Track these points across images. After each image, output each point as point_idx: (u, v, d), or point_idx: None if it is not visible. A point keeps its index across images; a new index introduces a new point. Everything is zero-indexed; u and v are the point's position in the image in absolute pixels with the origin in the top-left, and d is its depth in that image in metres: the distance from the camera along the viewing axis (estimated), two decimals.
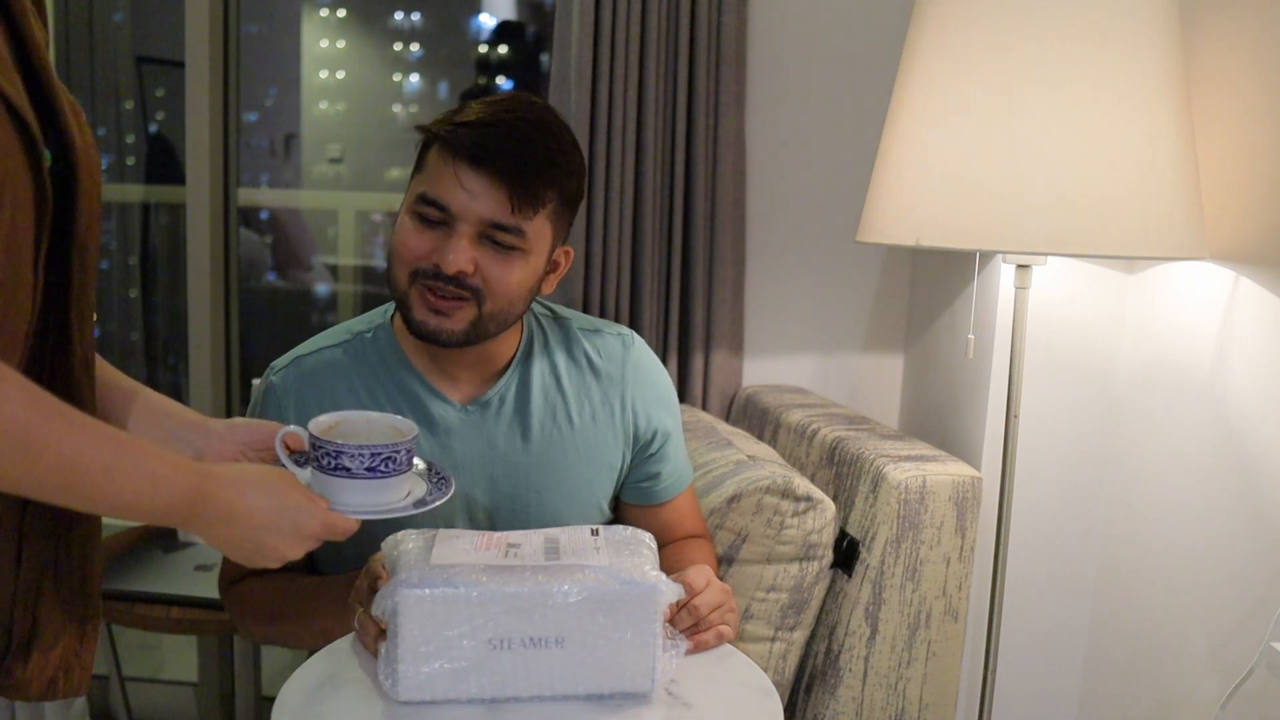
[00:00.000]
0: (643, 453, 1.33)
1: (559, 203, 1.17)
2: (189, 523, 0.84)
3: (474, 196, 1.11)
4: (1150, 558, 1.58)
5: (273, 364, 1.29)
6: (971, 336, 1.50)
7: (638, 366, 1.32)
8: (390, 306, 1.29)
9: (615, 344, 1.32)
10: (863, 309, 2.10)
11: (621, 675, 0.96)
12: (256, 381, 1.95)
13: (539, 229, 1.16)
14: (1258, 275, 1.35)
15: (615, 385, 1.30)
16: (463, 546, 1.01)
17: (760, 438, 1.86)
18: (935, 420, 1.90)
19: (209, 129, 2.23)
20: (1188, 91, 1.34)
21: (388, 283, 1.20)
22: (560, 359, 1.29)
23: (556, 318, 1.33)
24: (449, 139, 1.12)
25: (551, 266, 1.23)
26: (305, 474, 0.98)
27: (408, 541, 1.01)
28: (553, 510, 1.27)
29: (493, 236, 1.13)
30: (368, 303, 2.89)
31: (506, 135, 1.12)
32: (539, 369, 1.27)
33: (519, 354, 1.27)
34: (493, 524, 1.26)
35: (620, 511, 1.37)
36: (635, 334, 1.35)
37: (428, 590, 0.92)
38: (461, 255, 1.12)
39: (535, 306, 1.32)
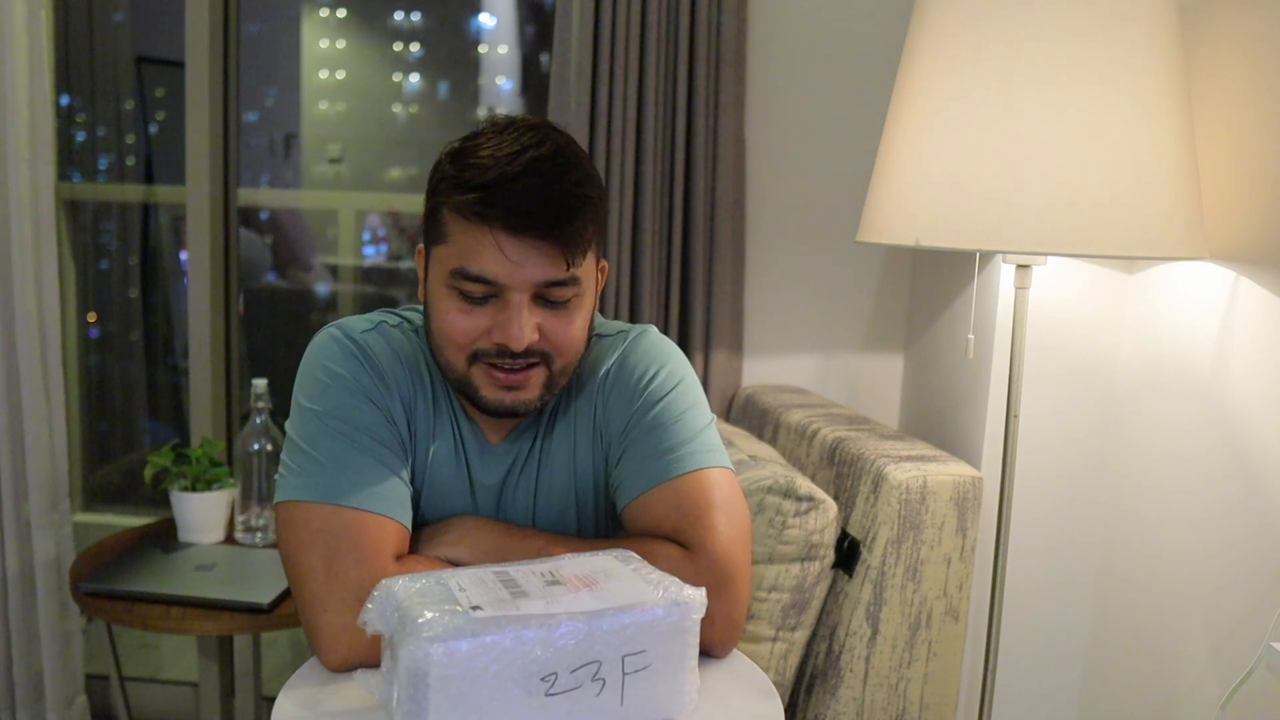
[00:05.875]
0: (612, 461, 1.17)
1: (596, 228, 1.07)
2: None
3: (522, 264, 1.01)
4: (1150, 557, 1.58)
5: (341, 323, 1.15)
6: (971, 336, 1.50)
7: (609, 374, 1.18)
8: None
9: (609, 346, 1.19)
10: (863, 309, 2.10)
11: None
12: (258, 381, 1.97)
13: (588, 267, 1.08)
14: (1258, 275, 1.35)
15: (591, 399, 1.17)
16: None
17: (760, 438, 1.86)
18: (935, 420, 1.90)
19: (209, 129, 2.23)
20: (1188, 91, 1.34)
21: (438, 363, 1.10)
22: (584, 388, 1.18)
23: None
24: (474, 208, 1.01)
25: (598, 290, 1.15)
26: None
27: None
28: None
29: (548, 296, 1.04)
30: (367, 303, 2.89)
31: (535, 188, 1.00)
32: (567, 407, 1.18)
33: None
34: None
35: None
36: (634, 332, 1.21)
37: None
38: (526, 328, 1.03)
39: None
